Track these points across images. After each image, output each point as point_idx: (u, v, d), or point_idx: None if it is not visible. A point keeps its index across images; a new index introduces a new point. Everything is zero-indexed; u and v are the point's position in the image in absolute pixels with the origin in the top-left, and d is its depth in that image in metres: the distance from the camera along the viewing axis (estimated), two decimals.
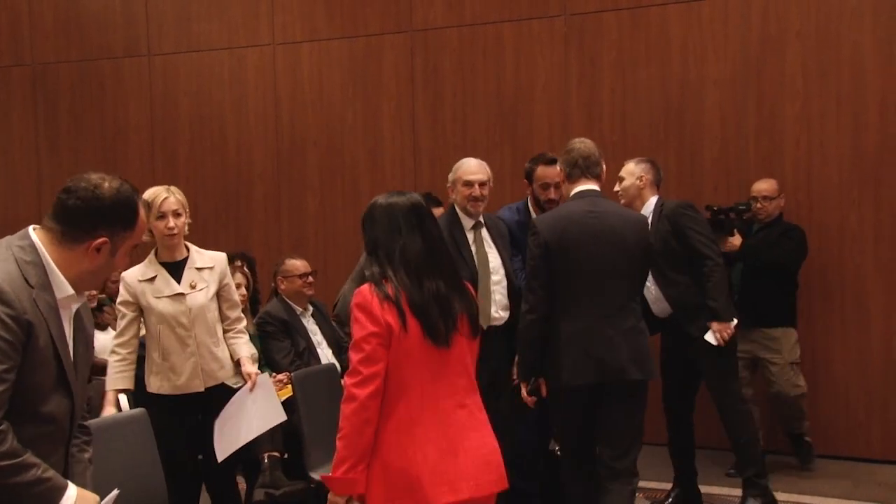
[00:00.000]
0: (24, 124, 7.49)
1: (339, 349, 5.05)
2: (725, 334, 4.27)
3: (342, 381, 2.52)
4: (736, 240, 5.11)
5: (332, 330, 5.12)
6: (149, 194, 3.69)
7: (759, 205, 5.27)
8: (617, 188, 4.44)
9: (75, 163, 7.11)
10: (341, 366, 4.90)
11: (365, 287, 2.51)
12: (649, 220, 4.22)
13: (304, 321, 5.01)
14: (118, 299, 3.77)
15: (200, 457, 3.87)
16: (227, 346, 3.78)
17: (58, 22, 7.39)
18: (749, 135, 5.69)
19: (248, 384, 3.60)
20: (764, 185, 5.32)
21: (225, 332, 3.80)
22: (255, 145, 6.90)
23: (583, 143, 3.77)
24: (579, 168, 3.70)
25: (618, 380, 3.52)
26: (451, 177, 4.22)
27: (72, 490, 2.02)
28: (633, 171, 4.47)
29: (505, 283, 4.10)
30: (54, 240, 2.09)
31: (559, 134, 6.14)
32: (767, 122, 5.66)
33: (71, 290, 2.09)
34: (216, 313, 3.75)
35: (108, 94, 7.28)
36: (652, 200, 4.45)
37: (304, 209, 6.79)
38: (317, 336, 5.02)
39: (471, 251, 4.02)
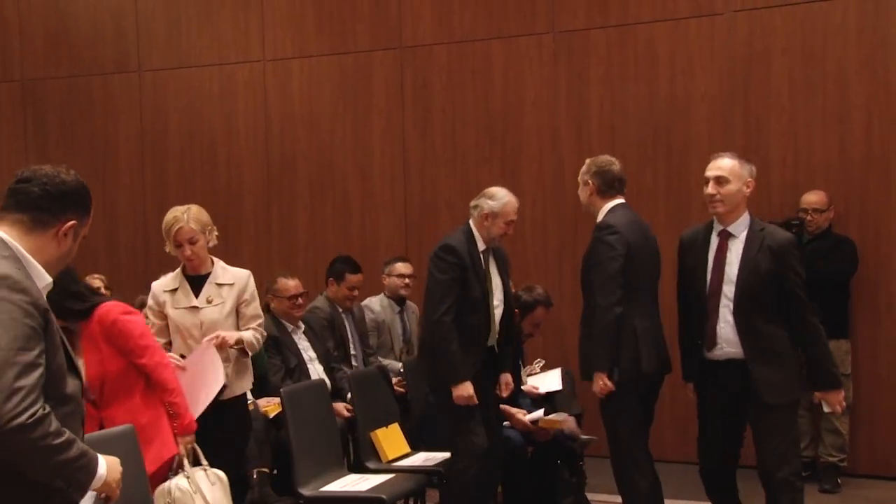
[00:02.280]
0: (13, 140, 7.48)
1: (330, 366, 5.06)
2: (845, 401, 3.88)
3: (169, 358, 3.51)
4: None
5: (325, 347, 5.12)
6: (167, 218, 3.79)
7: (809, 217, 5.28)
8: (712, 189, 3.67)
9: None
10: (332, 383, 4.91)
11: (111, 304, 3.51)
12: (741, 240, 3.66)
13: (296, 338, 5.01)
14: (146, 309, 3.88)
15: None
16: None
17: (47, 38, 7.40)
18: (736, 150, 5.62)
19: (211, 341, 3.63)
20: (814, 198, 5.31)
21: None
22: (245, 161, 6.91)
23: (616, 165, 4.06)
24: (615, 188, 4.03)
25: (665, 371, 4.04)
26: (491, 204, 4.08)
27: (101, 458, 2.14)
28: (739, 174, 3.67)
29: (502, 307, 4.19)
30: (24, 230, 2.11)
31: (548, 150, 6.18)
32: (754, 137, 5.71)
33: (49, 279, 2.13)
34: (229, 329, 3.76)
35: (97, 110, 7.28)
36: (746, 216, 3.72)
37: (294, 224, 6.79)
38: (308, 352, 5.02)
39: (484, 271, 4.12)
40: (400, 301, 5.59)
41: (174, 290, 3.81)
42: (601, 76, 6.03)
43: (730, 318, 3.65)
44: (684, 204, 5.81)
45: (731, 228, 3.71)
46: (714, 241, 3.73)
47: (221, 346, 3.68)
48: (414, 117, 6.48)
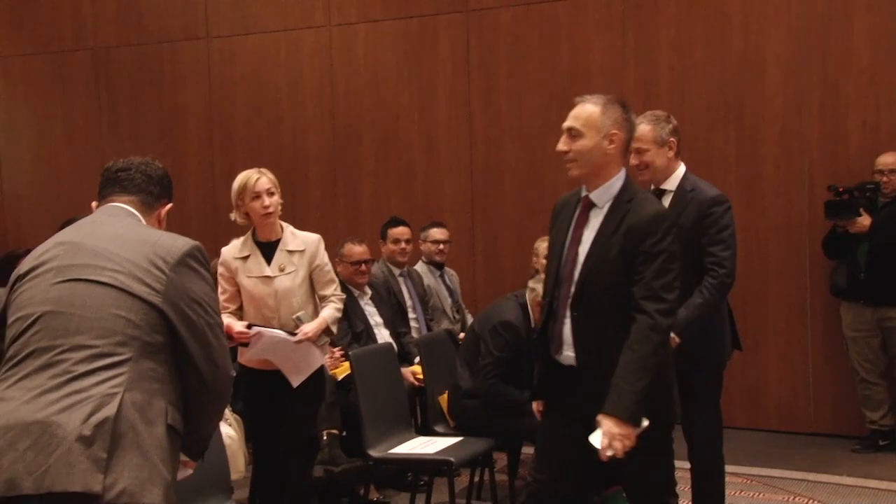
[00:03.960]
0: (87, 107, 7.65)
1: (396, 331, 5.09)
2: (629, 441, 2.62)
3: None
4: (865, 220, 5.03)
5: (391, 312, 5.15)
6: (241, 178, 3.79)
7: (885, 178, 5.12)
8: (562, 145, 2.84)
9: (136, 145, 7.23)
10: (399, 348, 4.95)
11: None
12: (603, 212, 2.81)
13: (362, 303, 5.05)
14: (218, 275, 3.83)
15: None
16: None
17: (119, 6, 7.51)
18: (812, 114, 5.56)
19: (297, 337, 3.65)
20: (890, 158, 5.13)
21: (320, 304, 3.85)
22: (311, 127, 6.96)
23: None
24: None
25: None
26: None
27: None
28: (598, 125, 2.81)
29: None
30: (138, 210, 2.26)
31: None
32: (831, 100, 5.52)
33: None
34: (303, 297, 3.80)
35: (166, 77, 7.39)
36: (617, 180, 2.84)
37: (359, 191, 6.83)
38: (374, 317, 5.06)
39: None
40: (438, 266, 5.64)
41: (245, 258, 3.79)
42: (671, 38, 5.89)
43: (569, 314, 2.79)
44: (756, 170, 5.67)
45: (594, 196, 2.82)
46: (577, 211, 2.87)
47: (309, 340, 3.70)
48: (479, 82, 6.42)
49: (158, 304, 2.03)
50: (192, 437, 2.16)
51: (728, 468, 4.01)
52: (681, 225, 3.34)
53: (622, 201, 2.78)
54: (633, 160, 3.46)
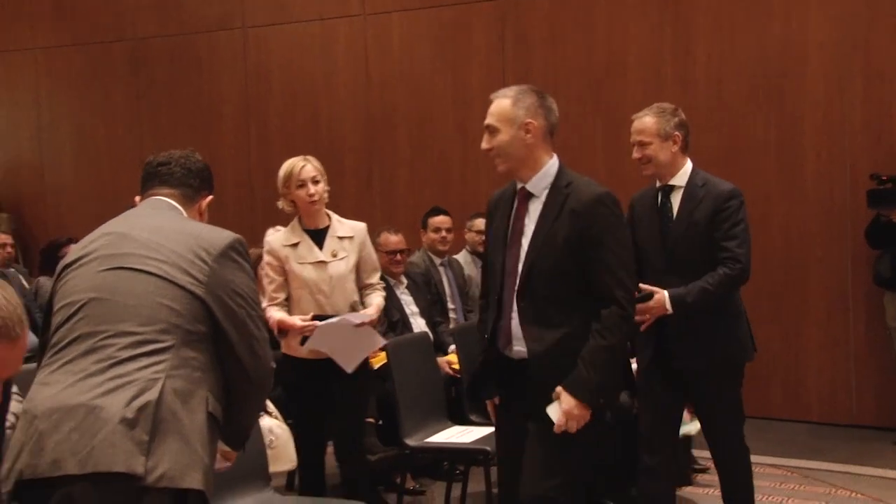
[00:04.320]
0: (125, 98, 7.74)
1: (432, 321, 5.09)
2: (584, 421, 2.64)
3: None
4: None
5: (427, 301, 5.15)
6: (287, 166, 3.78)
7: None
8: (485, 143, 2.83)
9: (173, 135, 7.31)
10: (435, 337, 4.95)
11: None
12: (541, 201, 2.77)
13: (398, 293, 5.06)
14: (264, 264, 3.79)
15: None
16: (364, 303, 3.83)
17: None
18: (855, 101, 5.45)
19: (361, 319, 3.64)
20: None
21: (364, 291, 3.86)
22: (346, 116, 6.97)
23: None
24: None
25: None
26: None
27: None
28: (511, 117, 2.79)
29: None
30: (180, 203, 2.29)
31: (652, 103, 5.99)
32: (874, 87, 5.41)
33: None
34: (354, 283, 3.81)
35: (203, 67, 7.45)
36: (550, 167, 2.80)
37: (394, 180, 6.84)
38: (411, 307, 5.07)
39: None
40: (482, 256, 5.62)
41: (295, 245, 3.76)
42: (709, 24, 5.80)
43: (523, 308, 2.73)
44: (798, 158, 5.58)
45: (530, 186, 2.79)
46: (516, 203, 2.84)
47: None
48: (514, 71, 6.38)
49: (201, 295, 2.06)
50: (233, 427, 2.17)
51: (768, 460, 3.97)
52: (696, 221, 3.29)
53: (560, 186, 2.75)
54: (636, 153, 3.37)
